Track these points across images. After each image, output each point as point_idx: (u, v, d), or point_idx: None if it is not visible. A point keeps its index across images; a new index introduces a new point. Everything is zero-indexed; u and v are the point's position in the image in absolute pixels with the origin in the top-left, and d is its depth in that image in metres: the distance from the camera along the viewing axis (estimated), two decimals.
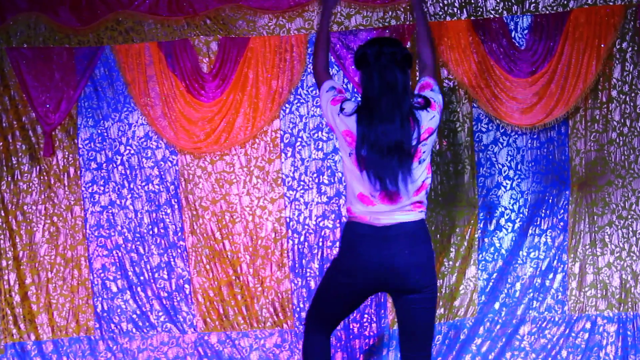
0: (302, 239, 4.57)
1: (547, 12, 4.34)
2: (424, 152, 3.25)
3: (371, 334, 4.56)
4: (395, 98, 3.18)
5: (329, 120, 3.34)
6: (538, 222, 4.48)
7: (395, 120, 3.15)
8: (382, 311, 4.55)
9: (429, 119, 3.25)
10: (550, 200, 4.46)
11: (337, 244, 4.50)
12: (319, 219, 4.57)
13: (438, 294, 4.41)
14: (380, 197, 3.22)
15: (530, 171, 4.46)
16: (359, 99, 3.30)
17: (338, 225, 4.55)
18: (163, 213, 4.59)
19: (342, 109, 3.27)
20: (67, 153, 4.57)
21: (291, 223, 4.56)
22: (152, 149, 4.58)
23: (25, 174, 4.57)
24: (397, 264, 3.20)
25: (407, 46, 4.34)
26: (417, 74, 3.54)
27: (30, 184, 4.57)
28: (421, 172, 3.25)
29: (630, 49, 4.32)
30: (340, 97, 3.35)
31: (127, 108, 4.57)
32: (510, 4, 4.37)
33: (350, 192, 3.30)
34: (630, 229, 4.42)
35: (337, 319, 3.46)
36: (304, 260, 4.58)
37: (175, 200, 4.58)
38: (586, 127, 4.40)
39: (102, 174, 4.59)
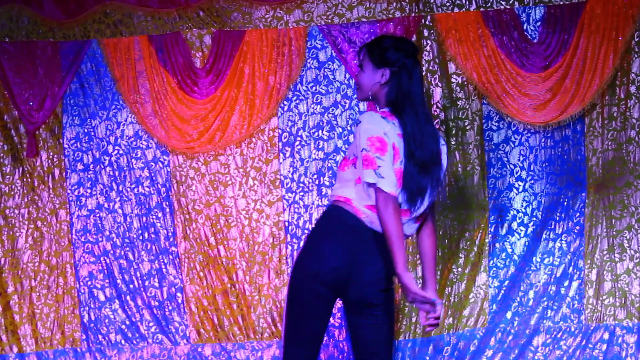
0: (301, 244, 4.48)
1: (562, 2, 4.33)
2: None
3: None
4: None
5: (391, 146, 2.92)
6: (552, 226, 4.46)
7: (431, 125, 2.92)
8: None
9: None
10: (565, 203, 4.44)
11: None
12: None
13: (447, 302, 4.45)
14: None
15: (544, 172, 4.44)
16: (389, 100, 2.99)
17: None
18: (154, 217, 4.56)
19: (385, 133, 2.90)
20: (51, 153, 4.55)
21: (290, 227, 4.53)
22: (142, 149, 4.55)
23: (7, 176, 4.55)
24: (366, 273, 2.86)
25: (413, 39, 4.35)
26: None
27: (13, 187, 4.55)
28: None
29: None
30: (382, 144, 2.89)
31: (116, 105, 4.55)
32: None
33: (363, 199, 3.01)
34: None
35: (316, 338, 3.11)
36: None
37: (167, 203, 4.55)
38: (603, 125, 4.38)
39: (89, 176, 4.57)
